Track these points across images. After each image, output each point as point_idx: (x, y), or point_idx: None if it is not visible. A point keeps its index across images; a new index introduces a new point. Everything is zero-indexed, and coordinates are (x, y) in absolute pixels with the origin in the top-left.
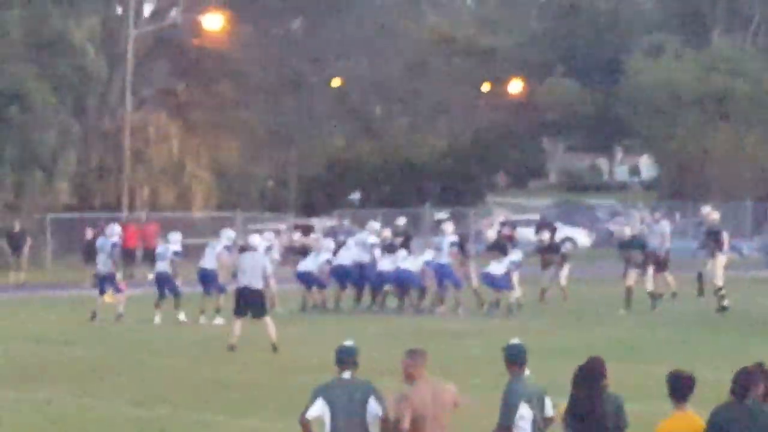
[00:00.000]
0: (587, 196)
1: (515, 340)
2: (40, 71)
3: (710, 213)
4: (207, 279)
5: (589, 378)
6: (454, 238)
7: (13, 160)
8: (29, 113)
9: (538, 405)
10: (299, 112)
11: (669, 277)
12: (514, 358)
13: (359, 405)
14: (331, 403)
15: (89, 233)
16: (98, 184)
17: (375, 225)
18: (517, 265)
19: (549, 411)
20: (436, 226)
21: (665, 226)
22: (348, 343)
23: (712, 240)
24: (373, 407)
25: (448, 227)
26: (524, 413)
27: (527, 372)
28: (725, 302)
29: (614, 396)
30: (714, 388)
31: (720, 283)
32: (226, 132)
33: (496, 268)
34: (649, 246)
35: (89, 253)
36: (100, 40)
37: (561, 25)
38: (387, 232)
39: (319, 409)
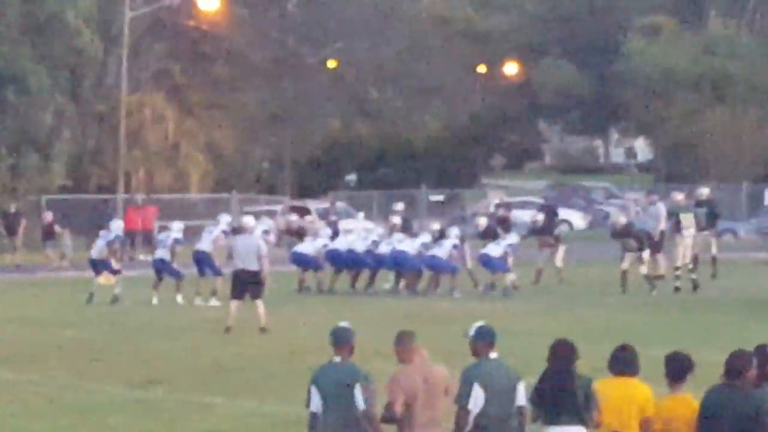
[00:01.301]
0: (583, 179)
1: (480, 323)
2: (35, 53)
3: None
4: (202, 261)
5: (561, 356)
6: (457, 241)
7: (9, 141)
8: (25, 95)
9: (503, 391)
10: (295, 94)
11: (662, 260)
12: (476, 340)
13: (347, 391)
14: (322, 390)
15: (48, 216)
16: (94, 166)
17: (379, 229)
18: (514, 248)
19: (521, 399)
20: (433, 208)
21: (661, 208)
22: (342, 324)
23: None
24: (358, 399)
25: (454, 230)
26: (477, 395)
27: (493, 355)
28: (678, 283)
29: (585, 377)
30: (709, 370)
31: (678, 263)
32: (222, 114)
33: (494, 249)
34: (645, 228)
35: (48, 235)
36: (96, 21)
37: (557, 6)
38: (397, 219)
39: (316, 398)
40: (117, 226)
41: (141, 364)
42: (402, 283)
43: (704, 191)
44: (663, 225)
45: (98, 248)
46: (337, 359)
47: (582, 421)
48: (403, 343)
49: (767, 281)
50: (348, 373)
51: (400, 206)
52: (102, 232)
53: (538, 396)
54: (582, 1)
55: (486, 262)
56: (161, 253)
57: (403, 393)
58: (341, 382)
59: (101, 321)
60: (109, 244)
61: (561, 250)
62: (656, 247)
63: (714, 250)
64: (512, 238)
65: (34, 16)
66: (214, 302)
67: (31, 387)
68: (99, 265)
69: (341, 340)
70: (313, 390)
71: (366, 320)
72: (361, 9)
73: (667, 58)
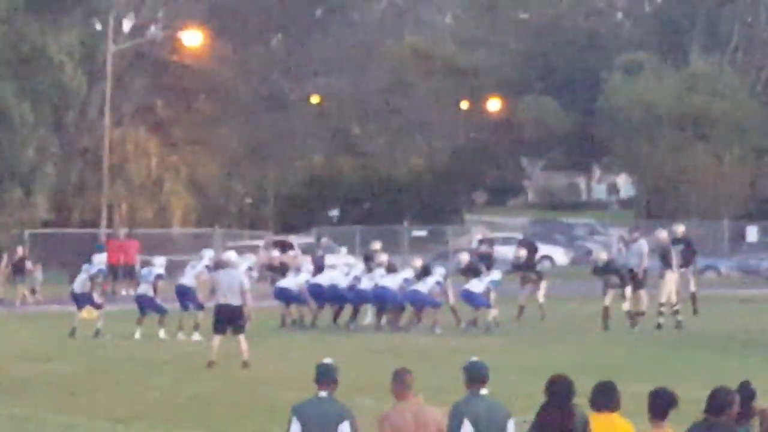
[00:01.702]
0: (565, 215)
1: (474, 358)
2: (18, 87)
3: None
4: (185, 295)
5: (559, 392)
6: (441, 278)
7: None
8: (8, 128)
9: (492, 427)
10: (278, 129)
11: (644, 296)
12: (468, 376)
13: (332, 428)
14: (304, 424)
15: (19, 251)
16: (77, 200)
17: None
18: (495, 284)
19: None
20: (416, 243)
21: (643, 245)
22: (327, 360)
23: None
24: None
25: (439, 270)
26: (467, 430)
27: (484, 391)
28: (662, 320)
29: (581, 412)
30: (691, 406)
31: (663, 299)
32: (205, 148)
33: (476, 285)
34: (627, 265)
35: (19, 270)
36: (79, 55)
37: (540, 43)
38: (384, 258)
39: (296, 430)
40: (100, 260)
41: (123, 399)
42: (384, 319)
43: (680, 229)
44: (646, 262)
45: (81, 282)
46: (323, 394)
47: None
48: (396, 381)
49: (749, 318)
50: (334, 409)
51: (377, 245)
52: (84, 266)
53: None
54: (564, 37)
55: (468, 297)
56: (144, 288)
57: (392, 431)
58: (327, 417)
59: (83, 355)
60: (92, 277)
61: (543, 286)
62: (639, 283)
63: (693, 287)
64: (495, 274)
65: (17, 49)
66: (196, 337)
67: (12, 421)
68: (81, 299)
69: (326, 375)
70: (294, 421)
71: (348, 356)
72: (344, 45)
73: (649, 95)
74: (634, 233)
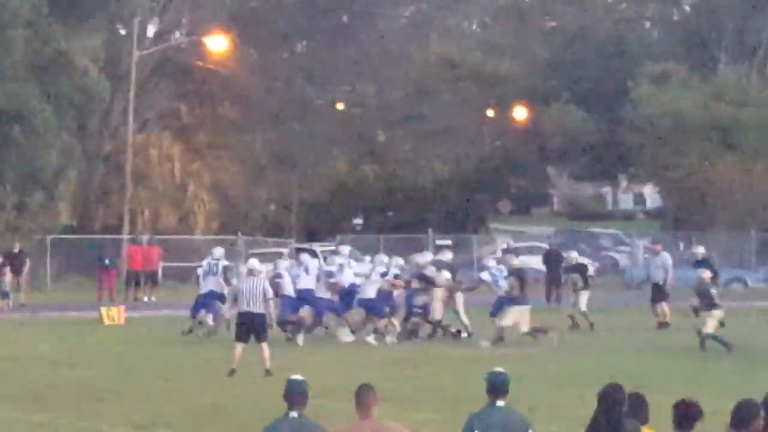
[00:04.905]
0: (591, 225)
1: (497, 369)
2: (42, 91)
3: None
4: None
5: (611, 403)
6: (384, 268)
7: (14, 180)
8: (31, 134)
9: None
10: (303, 136)
11: (666, 308)
12: (488, 386)
13: None
14: None
15: None
16: (99, 206)
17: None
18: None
19: None
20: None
21: (666, 257)
22: (296, 377)
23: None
24: None
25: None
26: None
27: (501, 403)
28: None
29: (634, 423)
30: (716, 418)
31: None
32: (228, 154)
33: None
34: (652, 278)
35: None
36: (103, 60)
37: (567, 51)
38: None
39: None
40: None
41: (144, 405)
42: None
43: (699, 251)
44: (671, 274)
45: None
46: (294, 414)
47: None
48: (361, 396)
49: None
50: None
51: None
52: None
53: None
54: (591, 46)
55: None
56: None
57: None
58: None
59: (104, 361)
60: None
61: (585, 295)
62: (662, 296)
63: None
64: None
65: (40, 54)
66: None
67: (35, 427)
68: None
69: (298, 393)
70: None
71: (375, 364)
72: (369, 51)
73: (677, 104)
74: (656, 245)
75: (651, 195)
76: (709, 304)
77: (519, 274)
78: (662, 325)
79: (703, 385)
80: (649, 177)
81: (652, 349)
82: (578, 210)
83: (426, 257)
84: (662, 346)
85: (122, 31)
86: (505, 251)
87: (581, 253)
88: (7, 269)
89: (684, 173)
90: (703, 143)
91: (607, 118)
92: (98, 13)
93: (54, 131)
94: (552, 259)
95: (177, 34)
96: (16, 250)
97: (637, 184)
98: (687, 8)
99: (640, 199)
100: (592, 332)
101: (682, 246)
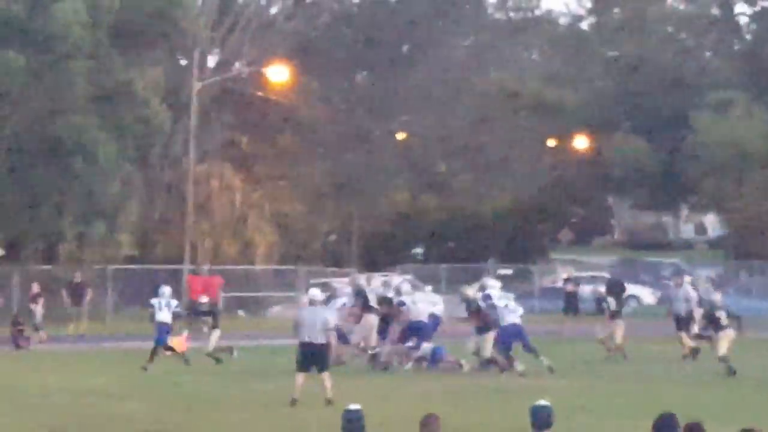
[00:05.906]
0: (652, 255)
1: (542, 402)
2: (103, 122)
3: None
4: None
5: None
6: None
7: (76, 210)
8: (92, 164)
9: None
10: (362, 166)
11: (685, 337)
12: (533, 418)
13: None
14: None
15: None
16: (160, 236)
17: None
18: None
19: None
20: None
21: (689, 290)
22: (353, 406)
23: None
24: None
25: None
26: None
27: None
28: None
29: None
30: None
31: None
32: (289, 185)
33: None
34: (673, 310)
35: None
36: (164, 91)
37: (627, 81)
38: (471, 291)
39: None
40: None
41: None
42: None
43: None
44: (695, 306)
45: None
46: None
47: None
48: (428, 426)
49: None
50: None
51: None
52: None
53: None
54: (652, 76)
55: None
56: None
57: None
58: None
59: (162, 393)
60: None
61: (620, 328)
62: (684, 324)
63: None
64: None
65: (102, 85)
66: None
67: None
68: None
69: (357, 424)
70: None
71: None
72: (429, 82)
73: (738, 134)
74: (677, 278)
75: (713, 224)
76: (717, 327)
77: (472, 305)
78: (688, 355)
79: (758, 416)
80: (710, 206)
81: (695, 379)
82: (639, 240)
83: (474, 289)
84: (703, 375)
85: (183, 62)
86: (566, 281)
87: (642, 283)
88: (41, 300)
89: (745, 202)
90: (765, 172)
91: (667, 147)
92: (159, 43)
93: (115, 162)
94: (614, 287)
95: (237, 65)
96: (78, 281)
97: (698, 214)
98: (748, 37)
99: (701, 228)
100: (650, 362)
101: (744, 276)
